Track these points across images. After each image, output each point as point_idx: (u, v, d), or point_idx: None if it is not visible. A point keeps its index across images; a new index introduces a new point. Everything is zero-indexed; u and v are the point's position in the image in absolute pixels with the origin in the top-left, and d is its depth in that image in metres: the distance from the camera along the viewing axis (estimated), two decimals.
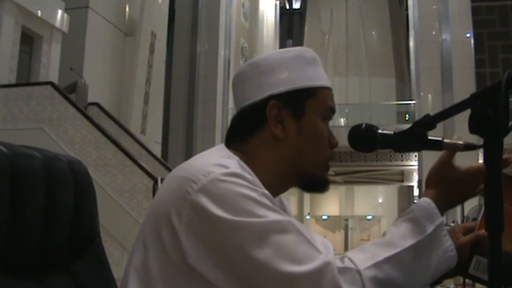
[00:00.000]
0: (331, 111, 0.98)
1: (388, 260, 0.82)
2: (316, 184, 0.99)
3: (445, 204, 0.92)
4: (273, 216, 0.81)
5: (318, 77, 0.97)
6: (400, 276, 0.83)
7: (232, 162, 0.87)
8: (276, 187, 0.94)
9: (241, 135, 0.96)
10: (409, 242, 0.85)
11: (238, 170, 0.84)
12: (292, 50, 0.99)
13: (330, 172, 0.98)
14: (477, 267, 0.94)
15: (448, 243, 0.88)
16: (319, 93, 0.96)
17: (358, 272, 0.80)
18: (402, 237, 0.86)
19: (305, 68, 0.97)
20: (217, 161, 0.86)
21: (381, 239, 0.87)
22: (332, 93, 1.00)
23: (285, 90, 0.94)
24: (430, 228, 0.87)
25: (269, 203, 0.83)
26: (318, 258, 0.78)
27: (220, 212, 0.79)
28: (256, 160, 0.93)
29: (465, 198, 0.93)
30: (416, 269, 0.85)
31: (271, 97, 0.94)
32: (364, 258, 0.82)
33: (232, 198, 0.80)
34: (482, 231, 0.94)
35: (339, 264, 0.80)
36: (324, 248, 0.81)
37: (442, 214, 0.90)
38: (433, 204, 0.90)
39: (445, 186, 0.92)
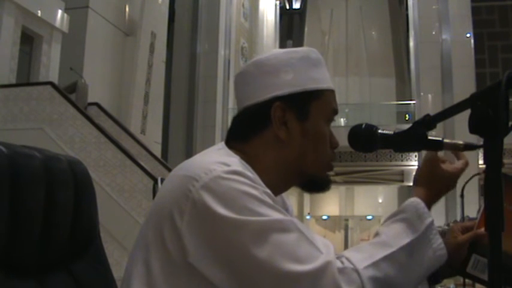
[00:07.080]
0: (334, 113, 0.98)
1: (385, 259, 0.83)
2: (317, 184, 0.99)
3: (433, 202, 0.94)
4: (274, 215, 0.81)
5: (322, 79, 0.96)
6: (396, 275, 0.84)
7: (234, 160, 0.87)
8: (277, 187, 0.93)
9: (243, 135, 0.95)
10: (403, 241, 0.86)
11: (239, 168, 0.84)
12: (298, 51, 0.98)
13: (330, 172, 0.99)
14: (475, 266, 0.95)
15: (438, 241, 0.89)
16: (324, 95, 0.96)
17: (357, 271, 0.80)
18: (396, 237, 0.87)
19: (310, 69, 0.95)
20: (218, 159, 0.86)
21: (376, 239, 0.88)
22: (335, 95, 0.99)
23: (290, 92, 0.93)
24: (421, 228, 0.88)
25: (271, 202, 0.83)
26: (319, 258, 0.78)
27: (222, 209, 0.79)
28: (258, 161, 0.93)
29: (447, 191, 0.96)
30: (411, 267, 0.86)
31: (275, 98, 0.93)
32: (362, 257, 0.82)
33: (234, 196, 0.80)
34: (481, 230, 0.94)
35: (338, 264, 0.80)
36: (325, 248, 0.81)
37: (429, 209, 0.92)
38: (422, 204, 0.91)
39: (435, 184, 0.94)
